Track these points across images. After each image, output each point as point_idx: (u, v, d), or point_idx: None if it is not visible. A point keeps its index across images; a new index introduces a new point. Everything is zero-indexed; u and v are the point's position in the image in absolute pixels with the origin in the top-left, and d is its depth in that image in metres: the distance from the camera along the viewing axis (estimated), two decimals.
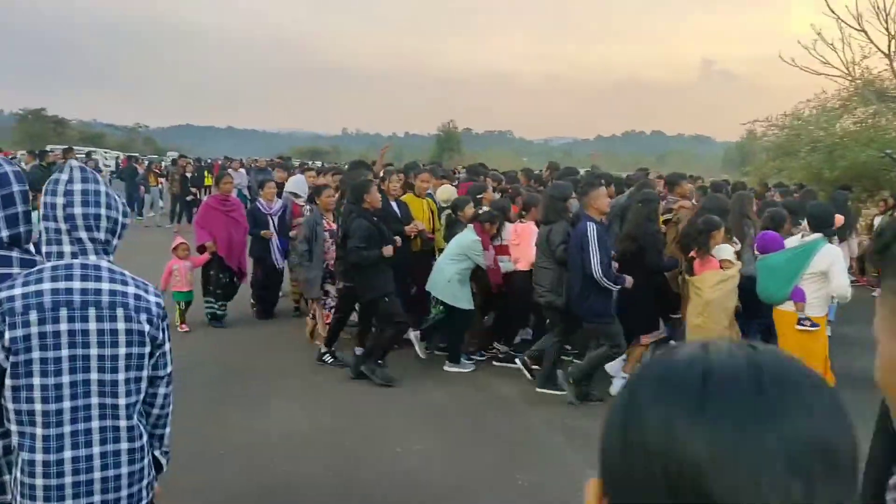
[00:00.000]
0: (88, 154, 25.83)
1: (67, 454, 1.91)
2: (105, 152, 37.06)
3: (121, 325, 1.98)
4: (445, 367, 6.71)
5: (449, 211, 7.23)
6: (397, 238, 6.48)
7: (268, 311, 8.62)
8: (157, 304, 2.09)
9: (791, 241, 5.58)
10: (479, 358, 7.04)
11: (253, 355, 7.03)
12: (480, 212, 6.90)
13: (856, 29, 15.02)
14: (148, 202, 19.75)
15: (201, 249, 7.96)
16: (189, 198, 17.87)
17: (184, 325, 7.74)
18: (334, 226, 6.97)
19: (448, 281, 6.51)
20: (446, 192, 8.01)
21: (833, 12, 15.07)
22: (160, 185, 20.59)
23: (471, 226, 6.71)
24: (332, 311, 6.90)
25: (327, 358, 6.71)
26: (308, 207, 8.11)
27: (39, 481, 1.90)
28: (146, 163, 25.50)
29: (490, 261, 6.74)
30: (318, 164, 25.31)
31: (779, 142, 17.96)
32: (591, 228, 5.65)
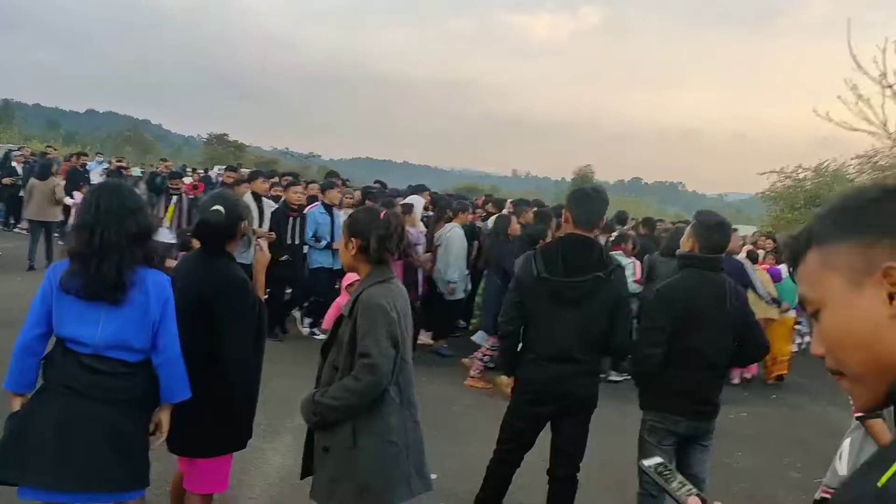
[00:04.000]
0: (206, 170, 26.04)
1: None
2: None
3: None
4: None
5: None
6: None
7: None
8: None
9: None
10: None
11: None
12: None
13: (883, 85, 13.82)
14: None
15: None
16: None
17: None
18: None
19: None
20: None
21: (860, 67, 14.07)
22: None
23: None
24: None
25: None
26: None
27: None
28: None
29: None
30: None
31: (782, 194, 16.90)
32: (748, 264, 7.64)
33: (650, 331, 3.31)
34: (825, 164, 16.24)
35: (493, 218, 8.37)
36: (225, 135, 61.37)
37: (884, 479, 0.74)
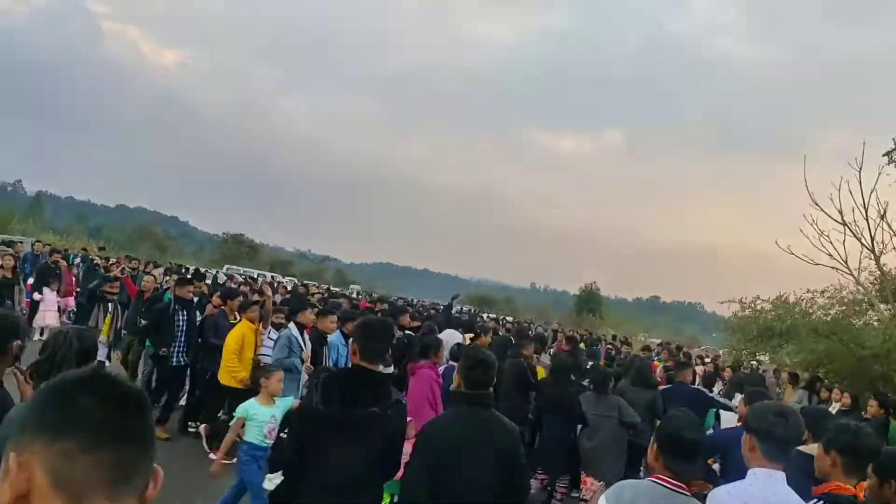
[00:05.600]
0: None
1: None
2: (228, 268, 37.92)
3: None
4: None
5: None
6: None
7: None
8: None
9: None
10: None
11: None
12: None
13: (838, 222, 13.82)
14: None
15: None
16: None
17: None
18: None
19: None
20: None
21: (816, 204, 14.04)
22: None
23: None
24: None
25: None
26: None
27: None
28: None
29: None
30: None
31: (739, 325, 16.78)
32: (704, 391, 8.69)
33: (414, 469, 3.34)
34: (784, 296, 16.15)
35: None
36: (240, 234, 62.70)
37: None
